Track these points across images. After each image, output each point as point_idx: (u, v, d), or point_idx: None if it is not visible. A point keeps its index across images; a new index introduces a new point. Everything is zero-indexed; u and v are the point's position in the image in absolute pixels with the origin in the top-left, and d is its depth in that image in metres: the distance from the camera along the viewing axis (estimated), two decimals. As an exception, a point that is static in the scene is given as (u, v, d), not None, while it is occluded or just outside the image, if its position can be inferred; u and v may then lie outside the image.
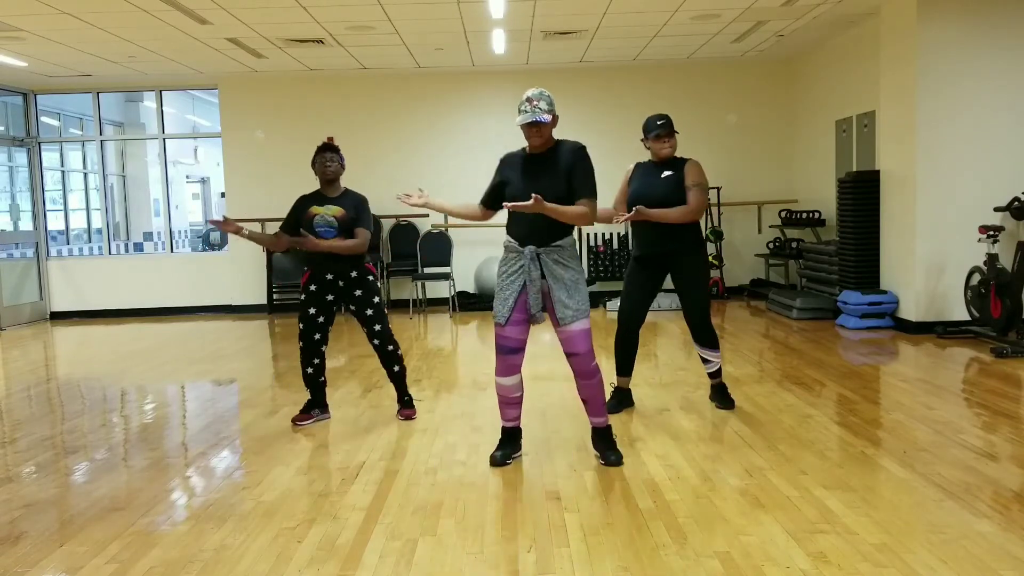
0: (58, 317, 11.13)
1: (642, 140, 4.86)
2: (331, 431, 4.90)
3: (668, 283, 5.07)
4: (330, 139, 4.95)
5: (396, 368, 5.07)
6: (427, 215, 10.75)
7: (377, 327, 4.94)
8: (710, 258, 10.58)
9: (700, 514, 3.40)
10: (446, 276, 10.36)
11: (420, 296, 10.87)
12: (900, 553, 2.97)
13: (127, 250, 14.56)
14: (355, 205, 4.88)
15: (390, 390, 5.90)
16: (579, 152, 3.94)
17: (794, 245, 10.00)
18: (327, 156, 4.86)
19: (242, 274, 11.04)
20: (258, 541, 3.28)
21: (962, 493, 3.54)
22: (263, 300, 11.03)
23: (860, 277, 8.21)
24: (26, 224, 11.21)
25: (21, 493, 3.97)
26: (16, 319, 10.61)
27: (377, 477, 4.01)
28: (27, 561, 3.17)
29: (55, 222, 12.60)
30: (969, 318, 7.25)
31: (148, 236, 15.34)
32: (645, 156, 4.95)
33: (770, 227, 10.82)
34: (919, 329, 7.52)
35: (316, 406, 5.12)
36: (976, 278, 7.08)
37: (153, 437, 4.97)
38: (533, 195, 3.72)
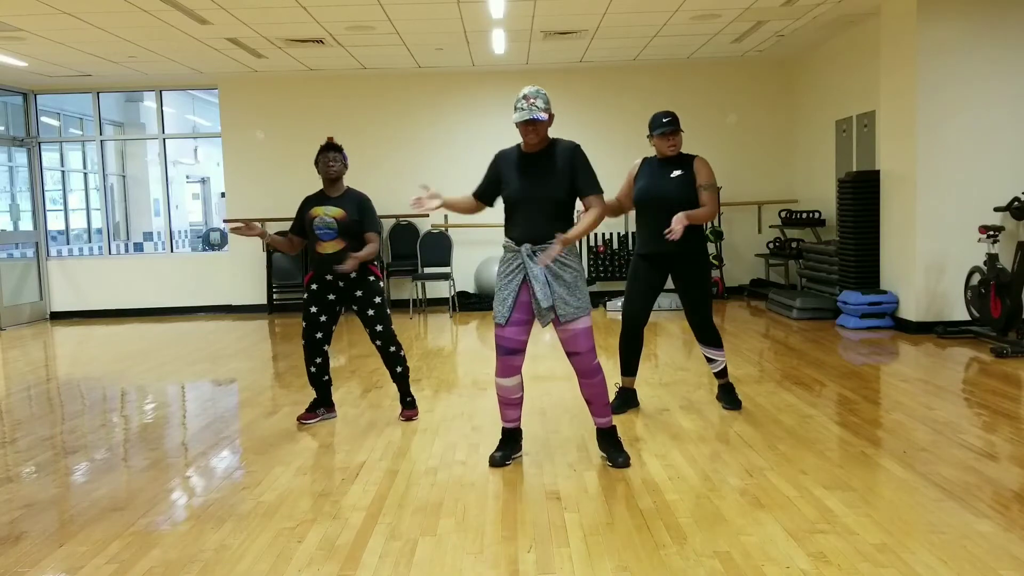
0: (58, 317, 11.13)
1: (648, 136, 4.84)
2: (332, 431, 4.90)
3: (668, 283, 5.06)
4: (330, 139, 4.95)
5: (399, 369, 5.06)
6: (427, 215, 10.76)
7: (379, 327, 4.94)
8: (710, 258, 10.72)
9: (700, 514, 3.39)
10: (446, 276, 10.36)
11: (420, 296, 10.87)
12: (900, 553, 2.97)
13: (127, 250, 14.57)
14: (358, 207, 4.88)
15: (390, 390, 5.90)
16: (578, 152, 3.96)
17: (794, 245, 10.00)
18: (330, 156, 4.87)
19: (242, 274, 11.05)
20: (258, 541, 3.28)
21: (962, 493, 3.54)
22: (263, 300, 11.03)
23: (860, 277, 8.21)
24: (26, 224, 11.22)
25: (21, 493, 3.97)
26: (16, 319, 10.61)
27: (377, 477, 4.01)
28: (27, 561, 3.17)
29: (55, 222, 12.60)
30: (969, 318, 7.25)
31: (148, 236, 15.36)
32: (651, 152, 4.94)
33: (770, 227, 10.82)
34: (919, 329, 7.52)
35: (321, 405, 5.13)
36: (976, 278, 7.08)
37: (153, 437, 4.97)
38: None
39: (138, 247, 15.12)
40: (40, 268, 11.12)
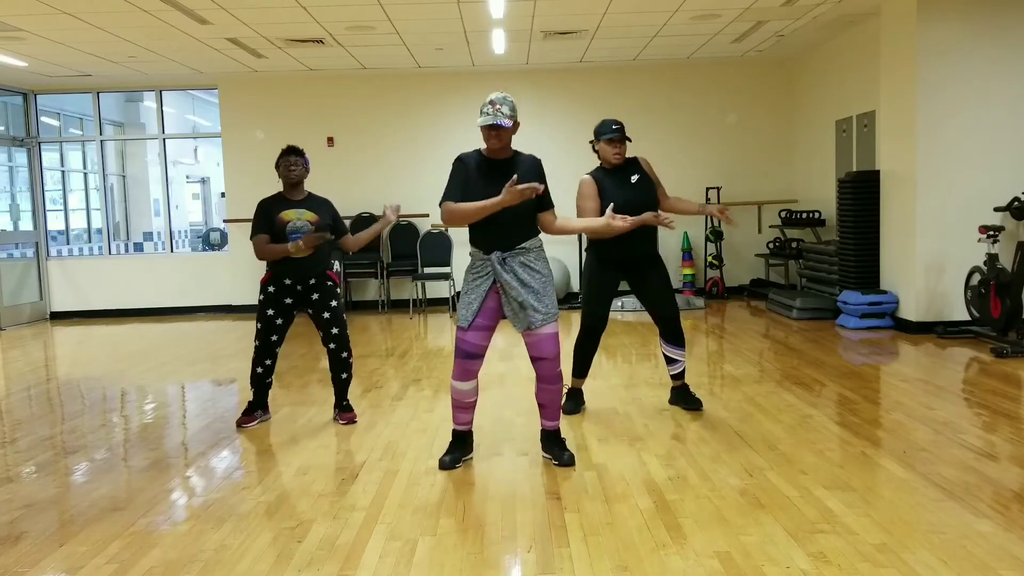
0: (58, 317, 11.13)
1: (591, 142, 4.92)
2: (331, 431, 4.90)
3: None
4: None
5: (344, 376, 5.06)
6: (427, 215, 10.77)
7: (334, 331, 4.94)
8: (710, 258, 10.74)
9: (700, 514, 3.39)
10: (446, 276, 10.36)
11: (420, 296, 10.87)
12: (900, 553, 2.97)
13: (127, 250, 14.57)
14: (329, 211, 4.93)
15: (390, 390, 5.90)
16: (541, 166, 4.05)
17: (794, 245, 10.00)
18: (292, 160, 4.87)
19: (242, 274, 11.03)
20: (258, 541, 3.28)
21: (962, 493, 3.54)
22: (263, 300, 11.02)
23: (860, 277, 8.21)
24: (26, 224, 11.22)
25: (21, 493, 3.97)
26: (16, 319, 10.61)
27: (377, 477, 4.01)
28: (27, 561, 3.17)
29: (55, 222, 12.60)
30: (969, 318, 7.25)
31: (148, 236, 15.36)
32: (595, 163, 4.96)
33: (770, 227, 10.82)
34: (919, 329, 7.52)
35: (259, 407, 5.12)
36: (976, 278, 7.08)
37: (153, 437, 4.97)
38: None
39: (138, 247, 15.13)
40: (40, 268, 11.11)
